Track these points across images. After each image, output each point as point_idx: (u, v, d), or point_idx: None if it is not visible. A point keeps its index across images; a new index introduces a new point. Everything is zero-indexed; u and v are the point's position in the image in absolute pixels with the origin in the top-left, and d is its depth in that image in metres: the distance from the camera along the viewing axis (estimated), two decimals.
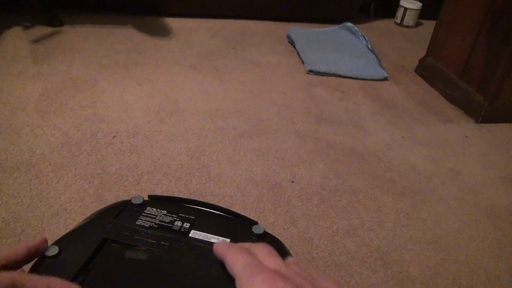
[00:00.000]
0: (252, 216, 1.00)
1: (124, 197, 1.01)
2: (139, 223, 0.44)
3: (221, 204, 1.01)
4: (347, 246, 0.96)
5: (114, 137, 1.21)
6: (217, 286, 0.37)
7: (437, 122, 1.50)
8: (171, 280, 0.38)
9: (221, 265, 0.39)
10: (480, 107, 1.51)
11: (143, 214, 0.46)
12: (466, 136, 1.43)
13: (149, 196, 0.50)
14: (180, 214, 0.46)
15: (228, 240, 0.44)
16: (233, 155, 1.20)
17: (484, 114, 1.50)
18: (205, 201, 0.51)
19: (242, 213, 0.51)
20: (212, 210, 0.49)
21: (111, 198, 1.00)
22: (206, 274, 0.38)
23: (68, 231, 0.44)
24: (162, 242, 0.42)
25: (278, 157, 1.22)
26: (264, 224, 0.98)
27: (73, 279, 0.37)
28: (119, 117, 1.30)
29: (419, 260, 0.95)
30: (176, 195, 1.04)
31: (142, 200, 0.48)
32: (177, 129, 1.28)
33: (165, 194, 1.04)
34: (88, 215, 0.48)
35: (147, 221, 0.45)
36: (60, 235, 0.89)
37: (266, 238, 0.46)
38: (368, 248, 0.97)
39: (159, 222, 0.45)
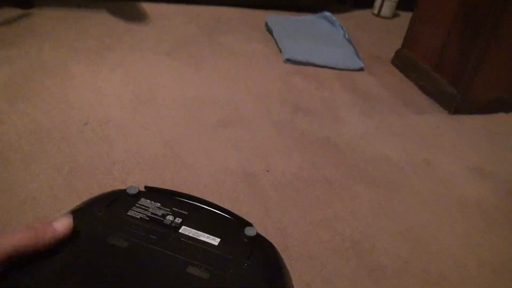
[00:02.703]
0: (226, 205, 0.99)
1: (95, 186, 0.99)
2: (130, 214, 0.44)
3: (195, 194, 1.00)
4: (320, 236, 0.97)
5: (85, 124, 1.18)
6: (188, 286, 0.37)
7: (411, 113, 1.52)
8: (145, 273, 0.37)
9: (205, 265, 0.38)
10: (452, 99, 1.53)
11: (136, 205, 0.45)
12: (438, 127, 1.46)
13: (145, 187, 0.49)
14: (173, 208, 0.46)
15: (218, 239, 0.43)
16: (207, 144, 1.19)
17: (457, 106, 1.53)
18: (199, 196, 0.50)
19: (217, 203, 0.50)
20: (206, 207, 0.48)
21: (81, 187, 0.98)
22: (184, 273, 0.37)
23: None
24: (150, 236, 0.41)
25: (253, 146, 1.21)
26: (238, 214, 0.98)
27: (55, 265, 0.36)
28: (90, 104, 1.26)
29: (390, 250, 0.97)
30: (149, 184, 1.02)
31: (137, 191, 0.47)
32: (151, 117, 1.26)
33: (138, 183, 1.02)
34: (80, 202, 0.47)
35: (139, 212, 0.44)
36: None
37: (258, 240, 0.46)
38: (341, 237, 0.97)
39: (151, 215, 0.44)
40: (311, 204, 1.05)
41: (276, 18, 2.03)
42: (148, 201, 0.46)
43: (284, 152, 1.21)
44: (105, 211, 0.43)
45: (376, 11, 2.42)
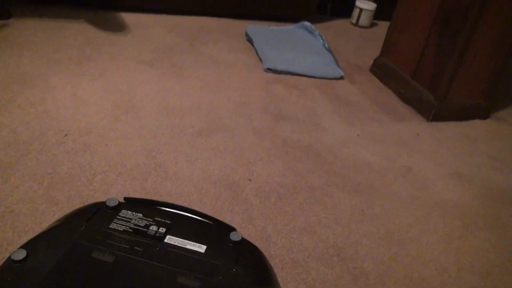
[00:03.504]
0: (209, 214, 0.99)
1: (76, 198, 0.98)
2: (113, 227, 0.43)
3: (178, 203, 0.99)
4: (304, 243, 0.98)
5: (66, 135, 1.16)
6: None
7: (391, 120, 1.55)
8: (135, 286, 0.36)
9: (195, 274, 0.38)
10: (431, 106, 1.57)
11: (117, 217, 0.44)
12: (418, 134, 1.49)
13: (124, 198, 0.49)
14: (156, 218, 0.45)
15: (204, 246, 0.43)
16: (190, 154, 1.18)
17: (435, 113, 1.56)
18: (182, 205, 0.50)
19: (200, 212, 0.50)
20: (189, 214, 0.48)
21: (62, 199, 0.97)
22: (174, 284, 0.37)
23: (37, 233, 0.42)
24: (136, 247, 0.40)
25: (235, 155, 1.21)
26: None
27: (40, 285, 0.35)
28: (71, 114, 1.25)
29: (373, 255, 0.98)
30: (131, 194, 1.01)
31: (117, 203, 0.46)
32: (132, 127, 1.25)
33: (120, 194, 1.01)
34: (59, 217, 0.46)
35: (121, 224, 0.43)
36: (7, 239, 0.85)
37: (244, 245, 0.46)
38: (324, 244, 0.98)
39: (134, 226, 0.43)
40: (294, 211, 1.06)
41: (256, 28, 2.04)
42: (129, 212, 0.46)
43: (266, 160, 1.21)
44: (86, 226, 0.42)
45: (354, 21, 2.47)
